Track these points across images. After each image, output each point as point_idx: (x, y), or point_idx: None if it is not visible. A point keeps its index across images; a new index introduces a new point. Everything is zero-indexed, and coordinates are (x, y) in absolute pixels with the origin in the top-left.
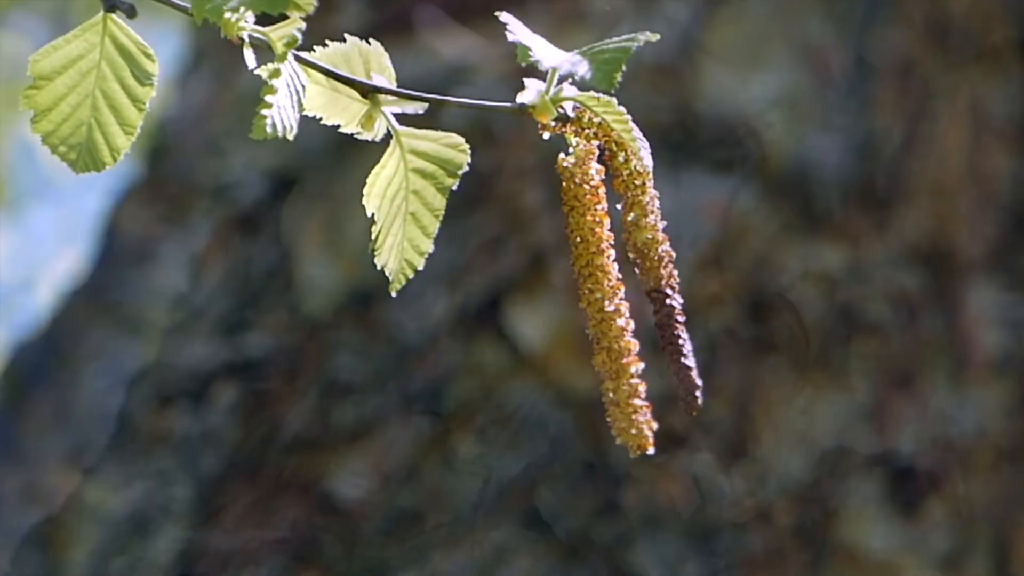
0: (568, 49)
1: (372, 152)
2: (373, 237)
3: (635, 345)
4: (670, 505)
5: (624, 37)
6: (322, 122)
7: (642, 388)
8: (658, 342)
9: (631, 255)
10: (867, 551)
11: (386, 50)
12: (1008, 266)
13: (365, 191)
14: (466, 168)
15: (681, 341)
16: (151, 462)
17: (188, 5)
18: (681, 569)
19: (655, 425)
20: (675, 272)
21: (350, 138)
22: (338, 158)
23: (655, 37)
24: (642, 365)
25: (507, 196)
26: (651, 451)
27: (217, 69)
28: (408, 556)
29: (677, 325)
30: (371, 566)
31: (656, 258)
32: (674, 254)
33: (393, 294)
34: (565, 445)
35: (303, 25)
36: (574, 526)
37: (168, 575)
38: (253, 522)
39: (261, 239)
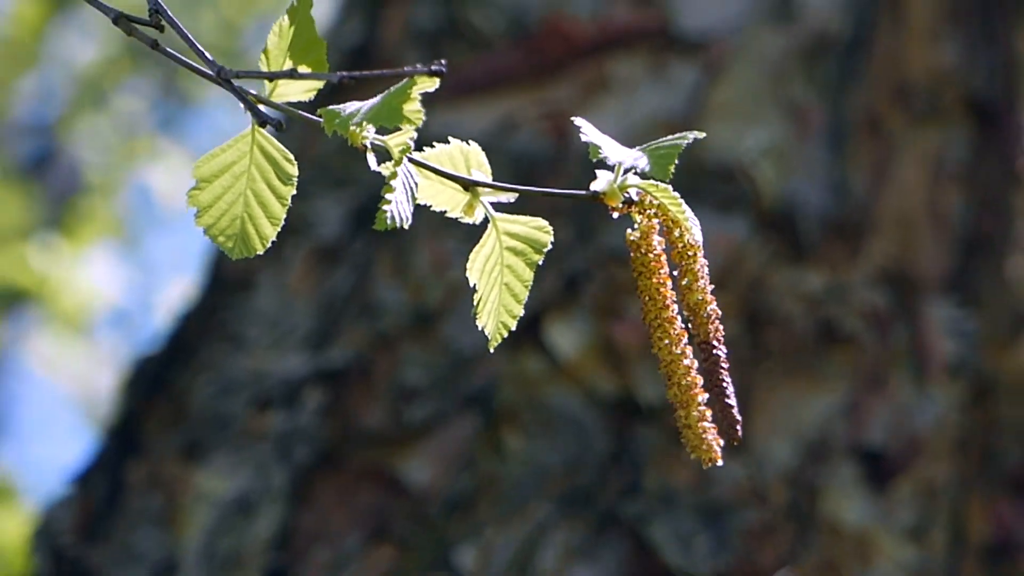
0: (594, 114)
1: None
2: (475, 304)
3: (699, 380)
4: (682, 488)
5: (675, 136)
6: (431, 208)
7: (708, 413)
8: (706, 384)
9: (685, 313)
10: (845, 524)
11: (440, 111)
12: (960, 287)
13: (468, 265)
14: (550, 247)
15: (725, 384)
16: (252, 455)
17: (319, 119)
18: (692, 542)
19: (722, 442)
20: (721, 327)
21: None
22: None
23: (702, 135)
24: (706, 396)
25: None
26: (720, 463)
27: (302, 132)
28: (465, 532)
29: (722, 371)
30: (434, 541)
31: (705, 315)
32: (720, 313)
33: (491, 351)
34: (594, 438)
35: (415, 135)
36: (602, 506)
37: (267, 550)
38: (337, 505)
39: (341, 269)
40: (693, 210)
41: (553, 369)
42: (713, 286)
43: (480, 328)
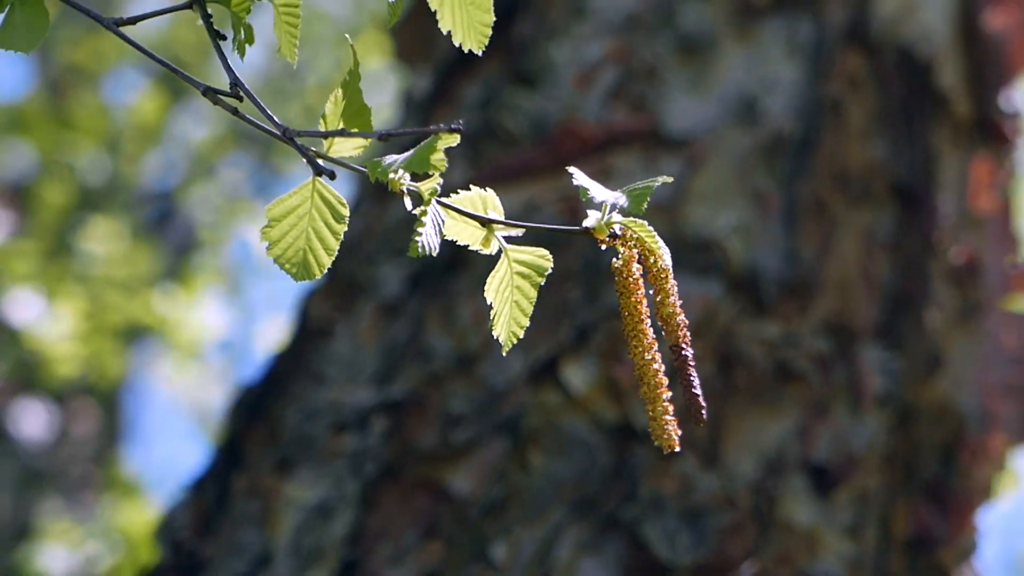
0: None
1: (467, 267)
2: (491, 317)
3: (665, 381)
4: (669, 496)
5: (647, 180)
6: (456, 242)
7: (671, 408)
8: (677, 378)
9: (659, 323)
10: (797, 524)
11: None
12: (887, 335)
13: (486, 286)
14: (550, 270)
15: (692, 377)
16: (331, 470)
17: (366, 169)
18: (676, 538)
19: (679, 432)
20: (688, 333)
21: (457, 256)
22: (449, 268)
23: (670, 179)
24: (670, 394)
25: (561, 291)
26: (677, 449)
27: (370, 208)
28: (498, 531)
29: (690, 367)
30: (474, 538)
31: (675, 324)
32: (687, 322)
33: (504, 353)
34: (599, 456)
35: (441, 181)
36: (605, 510)
37: (342, 546)
38: (397, 510)
39: (400, 321)
40: (676, 275)
41: (568, 401)
42: (682, 301)
43: (495, 336)
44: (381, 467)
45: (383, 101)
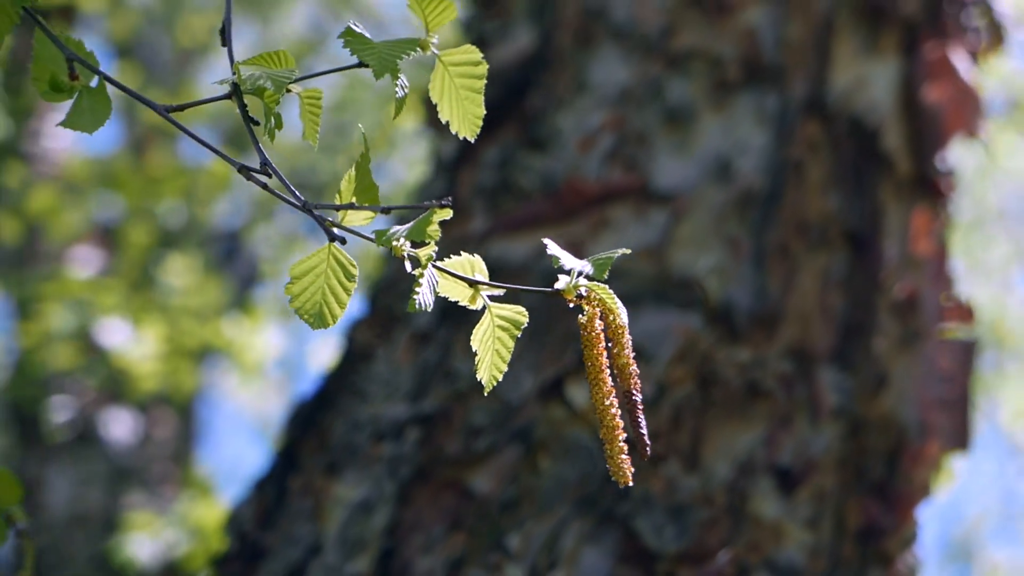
0: (598, 244)
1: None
2: (476, 363)
3: (621, 423)
4: (657, 494)
5: (610, 251)
6: (448, 299)
7: (626, 448)
8: (628, 419)
9: (615, 371)
10: (765, 518)
11: (497, 241)
12: (840, 358)
13: (472, 337)
14: (525, 325)
15: (640, 420)
16: (372, 472)
17: (372, 236)
18: (663, 531)
19: (633, 470)
20: (639, 382)
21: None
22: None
23: (628, 251)
24: (625, 435)
25: (566, 322)
26: (631, 484)
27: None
28: (513, 525)
29: (638, 411)
30: (492, 531)
31: (628, 373)
32: (639, 371)
33: (485, 394)
34: (598, 462)
35: (436, 248)
36: (603, 507)
37: (381, 537)
38: (427, 506)
39: (431, 347)
40: (663, 309)
41: (572, 415)
42: (635, 353)
43: (479, 379)
44: (414, 470)
45: (417, 155)
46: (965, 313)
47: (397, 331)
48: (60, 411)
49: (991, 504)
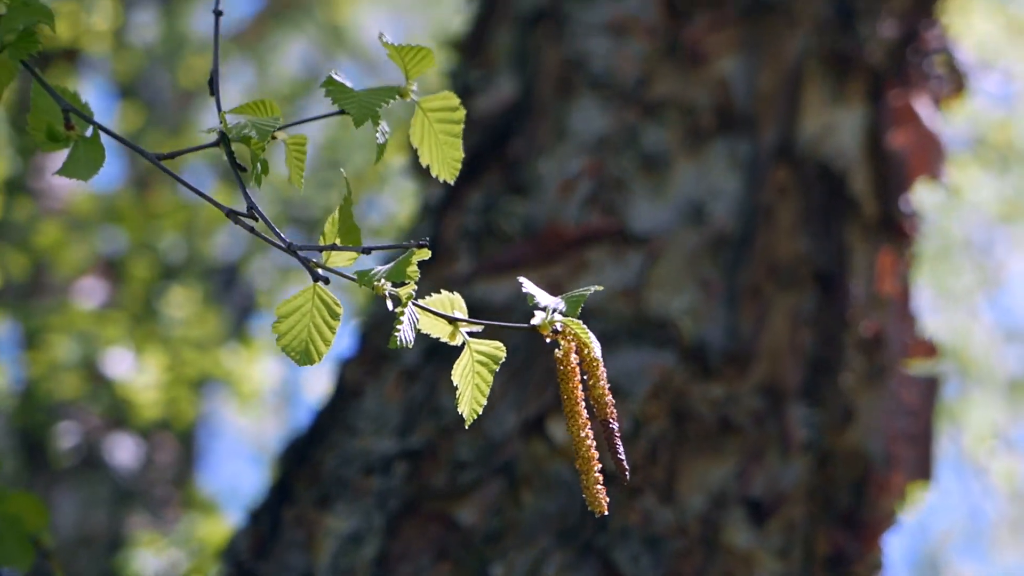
0: (577, 285)
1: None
2: (457, 397)
3: (596, 454)
4: (634, 525)
5: (582, 288)
6: (429, 336)
7: (601, 478)
8: (605, 446)
9: (591, 402)
10: (738, 548)
11: (481, 282)
12: (810, 394)
13: (452, 372)
14: (503, 359)
15: (618, 445)
16: (361, 505)
17: (355, 279)
18: (640, 560)
19: (608, 499)
20: (615, 411)
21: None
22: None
23: (600, 288)
24: (600, 465)
25: (547, 361)
26: (606, 513)
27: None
28: (497, 555)
29: (615, 437)
30: (477, 561)
31: (604, 403)
32: (614, 401)
33: (467, 427)
34: (578, 495)
35: (415, 287)
36: (583, 538)
37: (370, 567)
38: (415, 537)
39: (418, 384)
40: (639, 348)
41: (552, 451)
42: (612, 389)
43: (460, 412)
44: (402, 503)
45: (408, 189)
46: (929, 349)
47: (385, 369)
48: (66, 437)
49: (956, 522)
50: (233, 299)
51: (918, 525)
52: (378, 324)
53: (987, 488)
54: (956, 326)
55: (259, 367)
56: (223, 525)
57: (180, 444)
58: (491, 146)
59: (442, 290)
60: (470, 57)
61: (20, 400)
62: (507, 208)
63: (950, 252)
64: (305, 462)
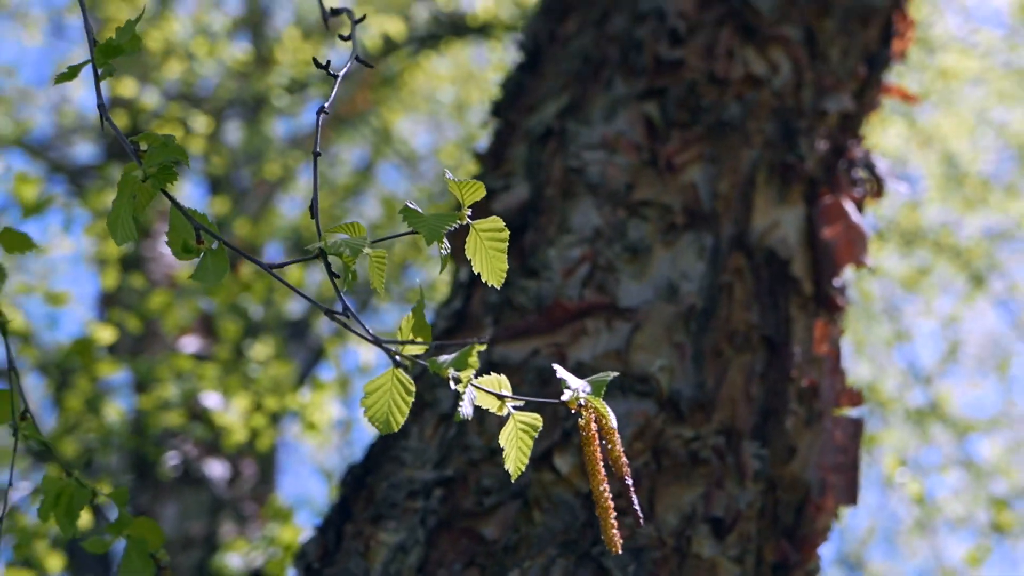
0: (577, 349)
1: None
2: (504, 456)
3: (612, 505)
4: (623, 538)
5: (603, 374)
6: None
7: (616, 524)
8: (621, 498)
9: (608, 462)
10: (704, 556)
11: (501, 345)
12: (761, 434)
13: (500, 437)
14: (541, 428)
15: (633, 497)
16: (407, 521)
17: (427, 364)
18: (627, 567)
19: (621, 540)
20: (629, 470)
21: None
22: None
23: (616, 374)
24: (616, 514)
25: (552, 409)
26: (619, 552)
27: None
28: (515, 562)
29: (631, 491)
30: (498, 568)
31: (621, 464)
32: (628, 463)
33: (512, 482)
34: (578, 514)
35: (474, 373)
36: (582, 549)
37: (414, 571)
38: (449, 548)
39: (452, 426)
40: (626, 398)
41: (558, 478)
42: (623, 448)
43: (507, 469)
44: (439, 521)
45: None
46: (855, 398)
47: (426, 413)
48: (171, 458)
49: (875, 525)
50: (303, 349)
51: (846, 528)
52: (418, 377)
53: (899, 499)
54: (874, 371)
55: (324, 403)
56: (295, 529)
57: (261, 464)
58: (509, 237)
59: (491, 372)
60: (492, 166)
61: (132, 428)
62: (522, 286)
63: (870, 311)
64: (362, 487)
